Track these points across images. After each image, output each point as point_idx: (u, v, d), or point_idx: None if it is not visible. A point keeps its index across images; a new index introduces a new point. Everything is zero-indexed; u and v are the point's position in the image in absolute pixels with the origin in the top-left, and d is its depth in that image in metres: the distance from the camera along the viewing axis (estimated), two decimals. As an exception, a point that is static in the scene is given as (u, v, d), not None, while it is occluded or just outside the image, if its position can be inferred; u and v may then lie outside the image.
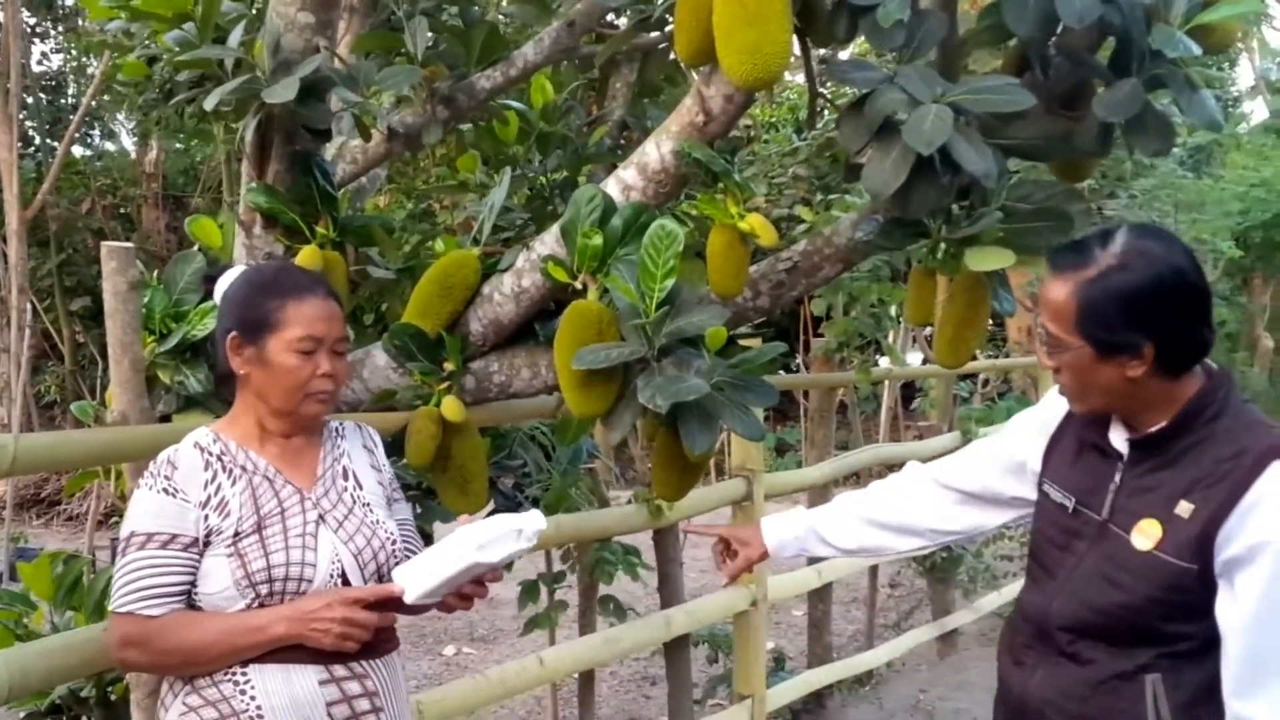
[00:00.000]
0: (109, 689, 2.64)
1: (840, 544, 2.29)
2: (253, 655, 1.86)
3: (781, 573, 4.83)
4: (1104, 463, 1.91)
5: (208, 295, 2.21)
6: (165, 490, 1.88)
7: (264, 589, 1.87)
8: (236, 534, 1.88)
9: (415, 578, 1.91)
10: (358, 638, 1.88)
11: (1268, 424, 1.82)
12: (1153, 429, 1.83)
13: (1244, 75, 17.30)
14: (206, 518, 1.88)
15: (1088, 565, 1.88)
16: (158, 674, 1.95)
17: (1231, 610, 1.72)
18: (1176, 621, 1.79)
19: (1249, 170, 12.23)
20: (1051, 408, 2.06)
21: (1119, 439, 1.90)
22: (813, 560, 5.19)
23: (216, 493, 1.90)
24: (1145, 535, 1.80)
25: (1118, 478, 1.88)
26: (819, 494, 5.20)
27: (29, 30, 13.52)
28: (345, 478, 2.05)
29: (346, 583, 1.94)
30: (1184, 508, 1.76)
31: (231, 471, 1.93)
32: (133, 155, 14.67)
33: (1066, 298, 1.79)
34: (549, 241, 2.57)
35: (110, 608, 1.88)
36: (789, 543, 2.32)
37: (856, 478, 6.95)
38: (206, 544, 1.88)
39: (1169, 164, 7.45)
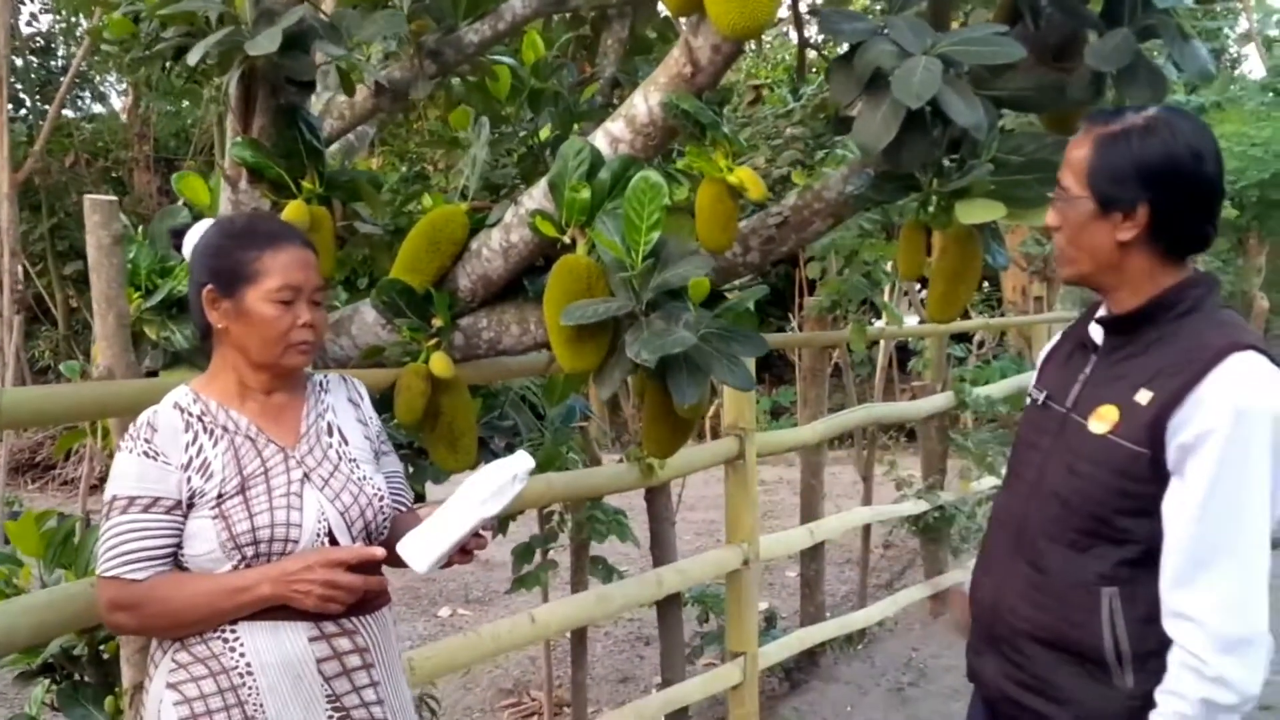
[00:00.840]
0: (101, 646, 2.64)
1: None
2: (239, 615, 1.86)
3: (773, 532, 4.85)
4: (1082, 357, 1.96)
5: (175, 250, 2.17)
6: (146, 453, 1.87)
7: (249, 550, 1.87)
8: (220, 495, 1.87)
9: (423, 549, 1.90)
10: (341, 600, 1.87)
11: (1240, 325, 1.85)
12: (1124, 310, 1.87)
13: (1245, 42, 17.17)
14: (189, 480, 1.87)
15: (1053, 458, 1.92)
16: (147, 635, 1.95)
17: (1177, 499, 1.74)
18: (1131, 516, 1.80)
19: (1246, 130, 12.19)
20: (1049, 344, 2.13)
21: (1096, 329, 1.95)
22: (806, 519, 5.21)
23: (198, 454, 1.89)
24: (1102, 420, 1.83)
25: (1089, 369, 1.93)
26: (811, 453, 5.20)
27: (17, -9, 13.38)
28: (330, 433, 2.03)
29: (334, 541, 1.93)
30: (1143, 395, 1.79)
31: (213, 432, 1.91)
32: (123, 118, 14.56)
33: (1085, 148, 1.85)
34: (537, 196, 2.55)
35: (96, 571, 1.87)
36: None
37: (850, 439, 6.96)
38: (190, 506, 1.87)
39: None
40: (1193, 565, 1.73)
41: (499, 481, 1.90)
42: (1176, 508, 1.75)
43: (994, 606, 1.97)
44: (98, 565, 1.86)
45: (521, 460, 1.93)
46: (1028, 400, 2.09)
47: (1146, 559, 1.79)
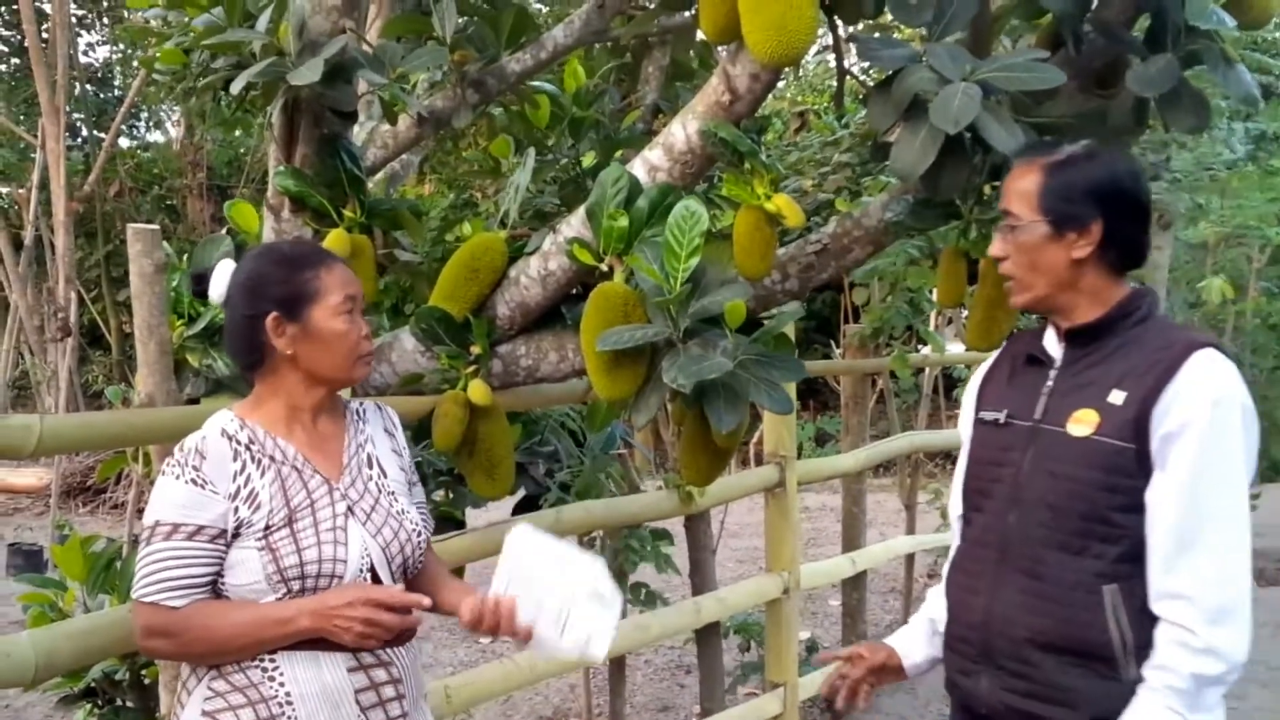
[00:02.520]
0: (142, 671, 2.66)
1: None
2: (279, 646, 1.86)
3: (816, 560, 4.80)
4: (1038, 373, 2.02)
5: (199, 294, 2.13)
6: (194, 480, 1.85)
7: (295, 585, 1.86)
8: (267, 527, 1.86)
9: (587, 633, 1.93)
10: (379, 637, 1.86)
11: (1191, 328, 1.99)
12: (1088, 320, 1.95)
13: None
14: (236, 510, 1.86)
15: (1028, 469, 1.96)
16: (183, 661, 1.93)
17: (1162, 488, 1.82)
18: (1121, 511, 1.85)
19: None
20: (977, 376, 2.20)
21: (1053, 343, 2.01)
22: (846, 549, 5.16)
23: (246, 484, 1.88)
24: (1083, 423, 1.89)
25: (1050, 382, 1.99)
26: (854, 481, 5.16)
27: (75, 22, 13.69)
28: (370, 465, 2.03)
29: (375, 575, 1.94)
30: (1116, 395, 1.87)
31: (260, 462, 1.90)
32: (176, 146, 14.83)
33: (1033, 176, 1.93)
34: (575, 224, 2.55)
35: (133, 596, 1.86)
36: (922, 663, 2.21)
37: (894, 466, 6.91)
38: (235, 535, 1.86)
39: (1218, 146, 7.31)
40: (1180, 547, 1.80)
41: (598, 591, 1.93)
42: (1162, 496, 1.82)
43: (986, 624, 1.97)
44: (135, 589, 1.86)
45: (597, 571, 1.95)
46: (971, 423, 2.13)
47: (1140, 551, 1.85)
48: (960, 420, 2.21)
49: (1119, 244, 1.93)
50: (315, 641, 1.86)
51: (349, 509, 1.94)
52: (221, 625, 1.84)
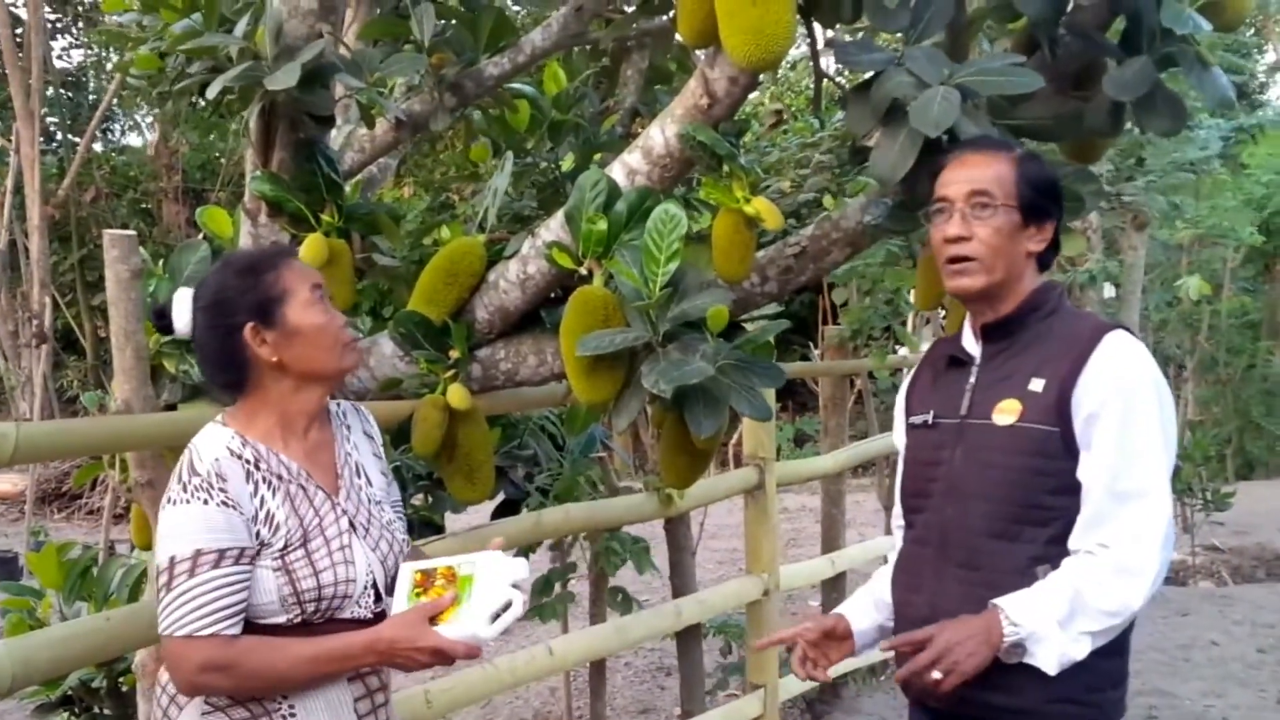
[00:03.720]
0: (120, 679, 2.65)
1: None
2: (333, 681, 1.86)
3: (796, 561, 4.81)
4: (960, 372, 2.08)
5: (164, 330, 2.08)
6: (225, 503, 1.80)
7: (310, 606, 1.84)
8: (284, 548, 1.83)
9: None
10: (431, 665, 1.86)
11: (1097, 314, 2.08)
12: (1000, 316, 2.01)
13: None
14: (258, 533, 1.83)
15: (960, 463, 2.01)
16: (234, 696, 1.84)
17: (1090, 468, 1.89)
18: (1051, 494, 1.91)
19: (1274, 156, 12.08)
20: (904, 386, 2.28)
21: (971, 342, 2.08)
22: (825, 549, 5.17)
23: (261, 506, 1.84)
24: (1007, 413, 1.96)
25: (972, 379, 2.05)
26: (832, 482, 5.18)
27: (50, 26, 13.59)
28: (359, 475, 2.01)
29: (376, 590, 1.93)
30: (1036, 383, 1.94)
31: (270, 482, 1.86)
32: (151, 151, 14.74)
33: (1005, 165, 1.97)
34: (554, 228, 2.55)
35: (176, 633, 1.76)
36: (869, 634, 2.22)
37: (873, 467, 6.93)
38: (255, 556, 1.83)
39: (1190, 150, 7.37)
40: (1099, 517, 1.88)
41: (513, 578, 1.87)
42: (1091, 475, 1.88)
43: (930, 619, 1.96)
44: (180, 625, 1.76)
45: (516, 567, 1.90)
46: (903, 429, 2.19)
47: (1070, 531, 1.92)
48: (894, 431, 2.27)
49: (1055, 244, 2.03)
50: None
51: (351, 524, 1.93)
52: (282, 659, 1.81)
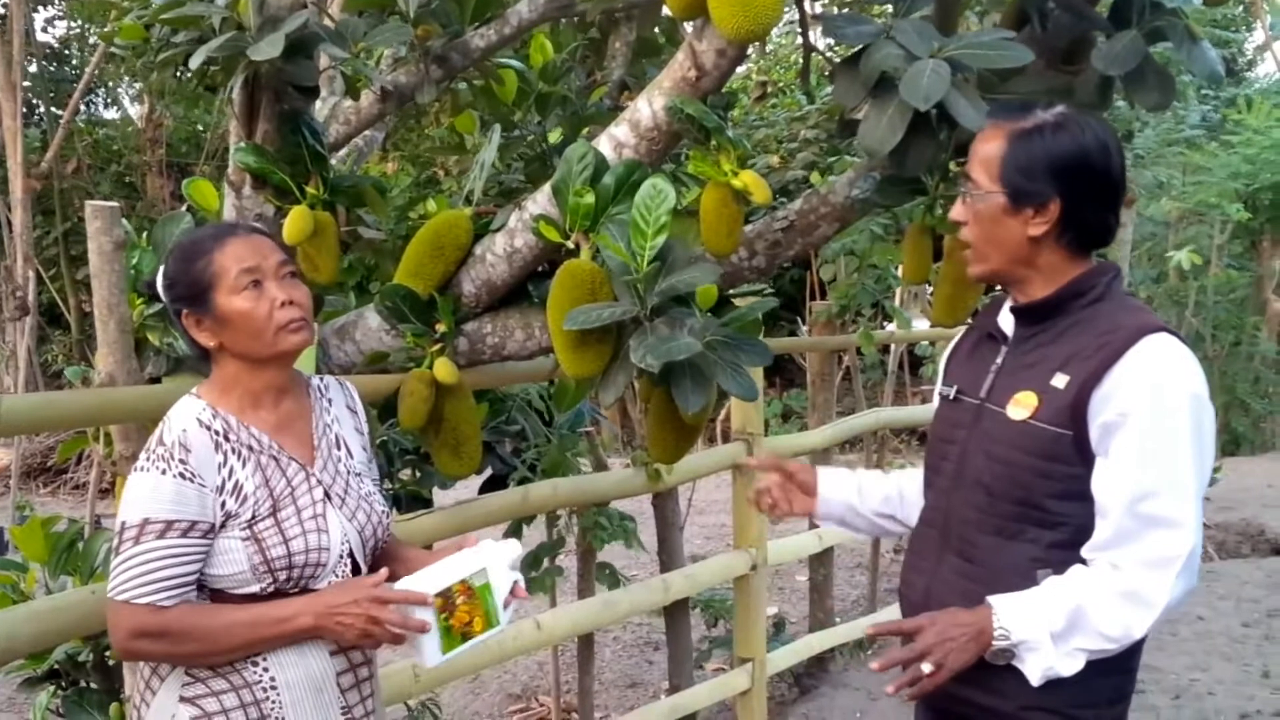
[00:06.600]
0: (106, 653, 2.64)
1: (870, 504, 2.23)
2: (277, 645, 1.84)
3: (783, 536, 4.83)
4: (992, 349, 1.98)
5: (156, 300, 2.09)
6: (183, 475, 1.80)
7: (282, 575, 1.84)
8: (253, 518, 1.83)
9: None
10: (380, 637, 1.83)
11: (1148, 310, 1.89)
12: (1036, 299, 1.89)
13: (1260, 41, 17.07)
14: (223, 503, 1.82)
15: (969, 448, 1.94)
16: (170, 663, 1.86)
17: (1105, 478, 1.78)
18: (1058, 498, 1.82)
19: (1259, 134, 12.10)
20: (948, 348, 2.17)
21: (1007, 320, 1.97)
22: (812, 525, 5.18)
23: (229, 476, 1.84)
24: (1021, 406, 1.86)
25: (1000, 360, 1.95)
26: (820, 458, 5.18)
27: (31, -2, 13.44)
28: (338, 446, 2.01)
29: (354, 560, 1.93)
30: (1060, 379, 1.82)
31: (240, 452, 1.86)
32: (137, 123, 14.63)
33: (998, 143, 1.86)
34: (541, 201, 2.53)
35: (115, 597, 1.79)
36: (834, 504, 2.23)
37: (860, 442, 6.94)
38: (221, 527, 1.83)
39: (1180, 125, 7.38)
40: (1118, 535, 1.77)
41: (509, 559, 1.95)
42: (1105, 485, 1.78)
43: (925, 604, 1.93)
44: (118, 590, 1.78)
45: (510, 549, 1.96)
46: (937, 399, 2.12)
47: (1079, 539, 1.82)
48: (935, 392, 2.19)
49: (1079, 224, 1.85)
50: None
51: (326, 494, 1.93)
52: (217, 624, 1.80)
